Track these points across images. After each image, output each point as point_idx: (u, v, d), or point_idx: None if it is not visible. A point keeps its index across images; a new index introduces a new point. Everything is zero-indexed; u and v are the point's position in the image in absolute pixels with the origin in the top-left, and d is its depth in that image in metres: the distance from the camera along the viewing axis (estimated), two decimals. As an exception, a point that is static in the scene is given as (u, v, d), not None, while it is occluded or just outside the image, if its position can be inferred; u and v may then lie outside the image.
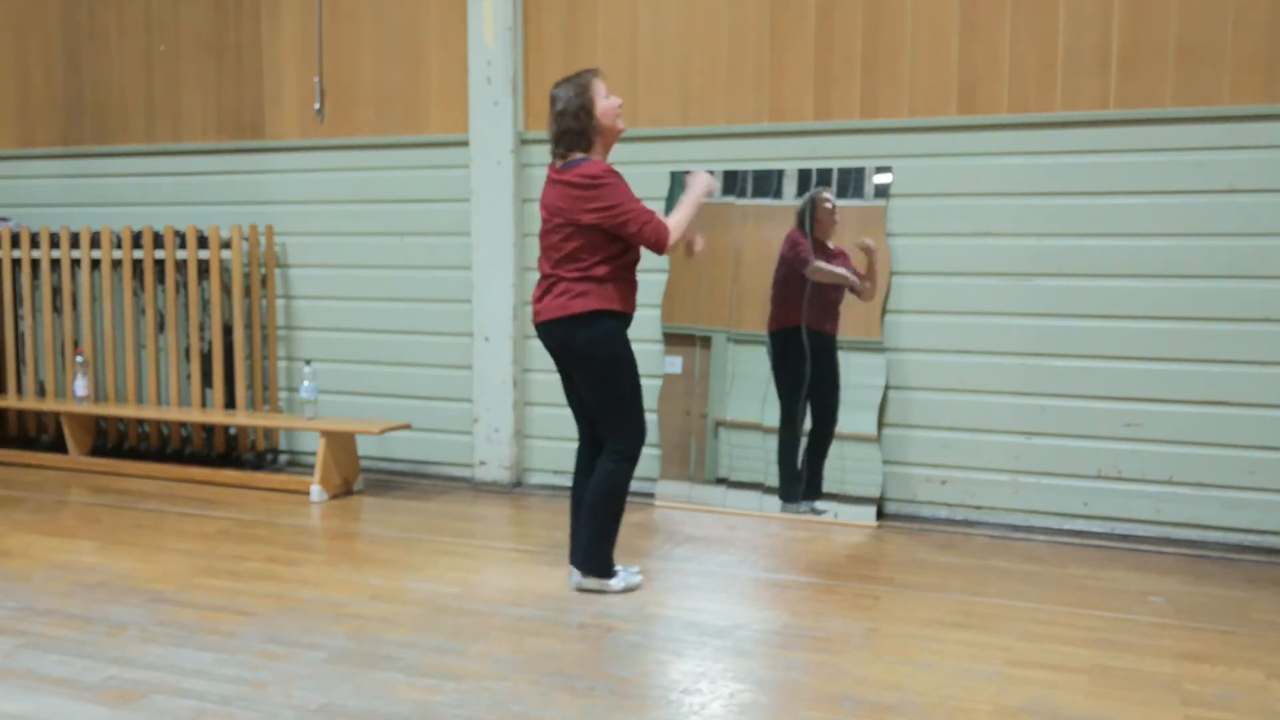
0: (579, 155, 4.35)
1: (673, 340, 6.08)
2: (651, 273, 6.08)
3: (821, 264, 5.71)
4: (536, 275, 4.54)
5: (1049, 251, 5.45)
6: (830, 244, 5.78)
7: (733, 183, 5.94)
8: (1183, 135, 5.22)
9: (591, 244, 4.29)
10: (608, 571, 4.49)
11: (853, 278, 5.71)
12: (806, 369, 5.76)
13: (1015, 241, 5.50)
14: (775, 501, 5.78)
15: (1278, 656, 3.86)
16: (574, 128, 4.31)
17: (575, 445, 4.70)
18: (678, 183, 6.03)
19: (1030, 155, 5.46)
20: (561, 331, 4.34)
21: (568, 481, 6.25)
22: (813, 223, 5.77)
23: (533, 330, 5.36)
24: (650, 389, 6.05)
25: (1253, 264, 5.14)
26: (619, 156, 5.67)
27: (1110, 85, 5.32)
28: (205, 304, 6.90)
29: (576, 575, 4.50)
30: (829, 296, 5.76)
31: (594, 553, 4.47)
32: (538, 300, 4.43)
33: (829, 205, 5.74)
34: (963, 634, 4.04)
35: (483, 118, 6.33)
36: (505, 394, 6.39)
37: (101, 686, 3.52)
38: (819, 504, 5.71)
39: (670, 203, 6.03)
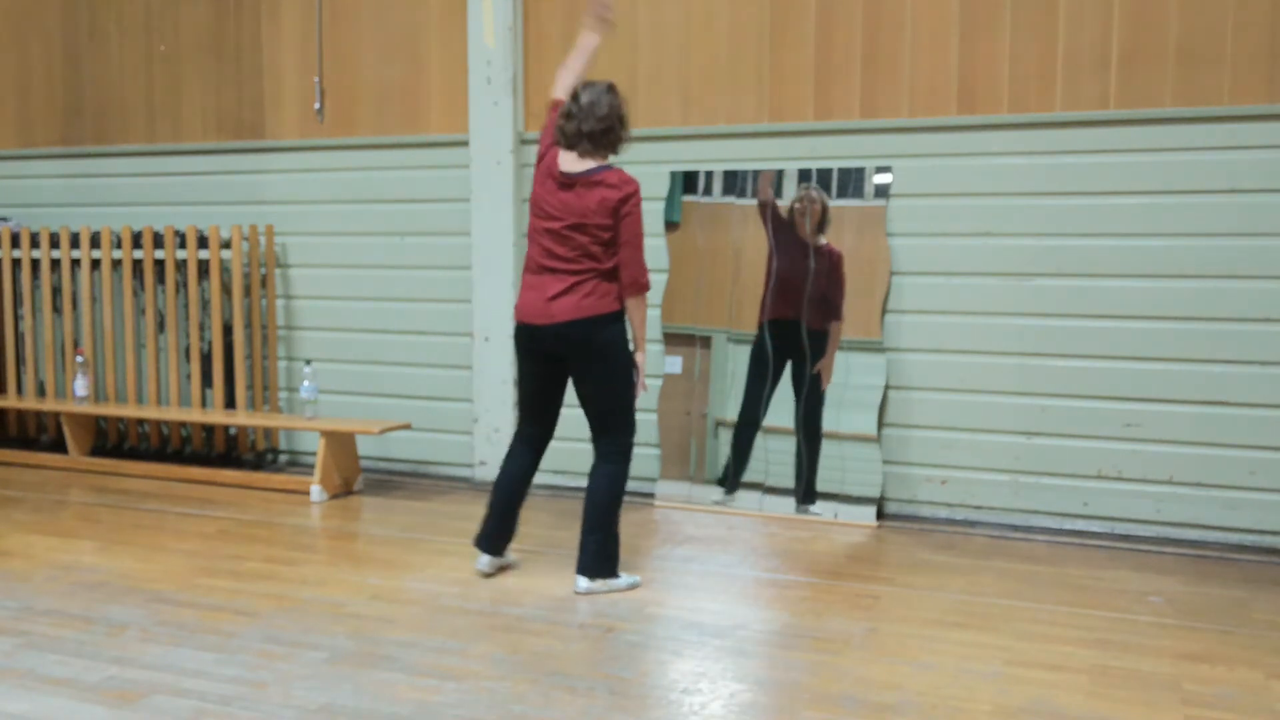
0: (604, 160, 4.43)
1: (673, 340, 6.08)
2: (652, 273, 6.07)
3: None
4: None
5: (1049, 251, 5.45)
6: (811, 242, 5.82)
7: (733, 183, 5.94)
8: (1183, 135, 5.22)
9: (611, 244, 4.38)
10: (616, 571, 4.54)
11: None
12: (768, 360, 5.86)
13: (1015, 241, 5.50)
14: (775, 501, 5.78)
15: (1278, 656, 3.86)
16: (611, 132, 4.41)
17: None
18: (677, 182, 6.03)
19: (1030, 155, 5.45)
20: (578, 330, 4.35)
21: (568, 482, 6.26)
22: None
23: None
24: (650, 389, 6.06)
25: (1253, 264, 5.14)
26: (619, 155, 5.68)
27: (1110, 85, 5.32)
28: (205, 304, 6.90)
29: (581, 582, 4.47)
30: (791, 284, 5.81)
31: (605, 555, 4.50)
32: (550, 299, 4.36)
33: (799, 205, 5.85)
34: (963, 634, 4.04)
35: (483, 118, 6.33)
36: (505, 394, 6.39)
37: (101, 686, 3.52)
38: (812, 507, 5.71)
39: (670, 203, 6.04)
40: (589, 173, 4.36)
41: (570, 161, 4.39)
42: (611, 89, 4.43)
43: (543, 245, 4.41)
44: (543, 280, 4.40)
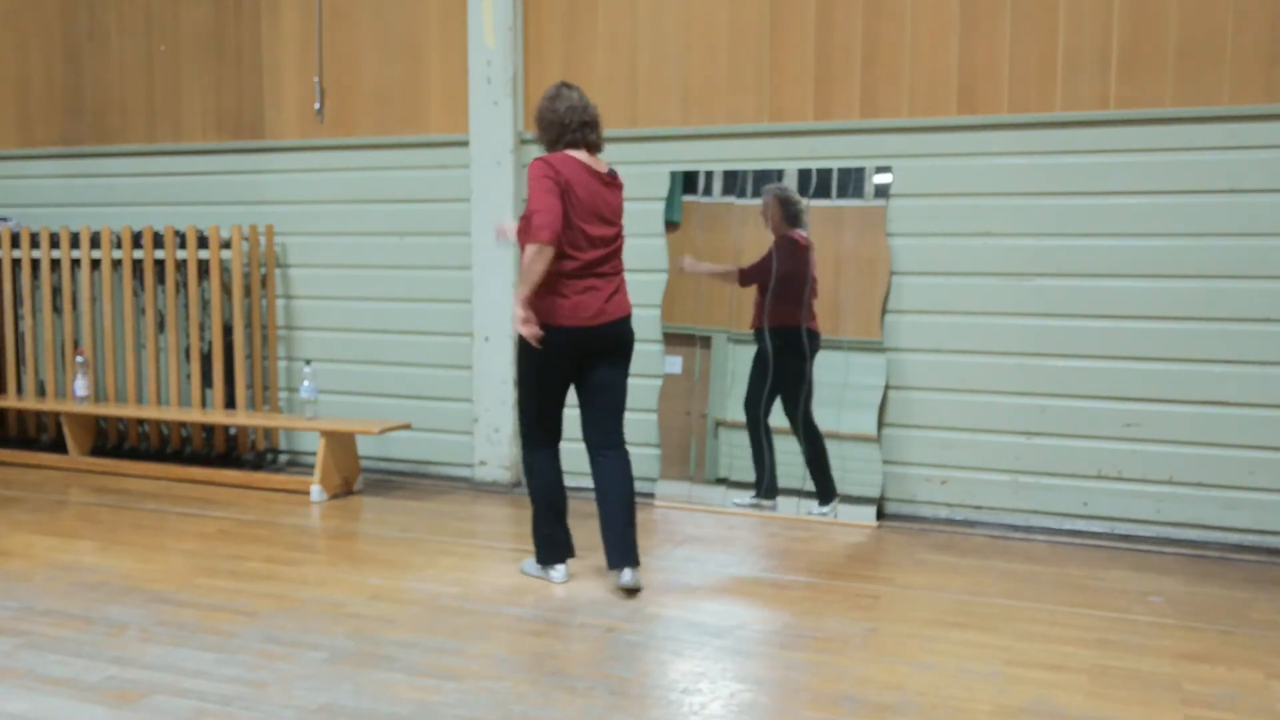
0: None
1: (673, 340, 6.08)
2: (652, 273, 6.09)
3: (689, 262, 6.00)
4: None
5: (1049, 251, 5.45)
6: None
7: (733, 183, 5.94)
8: (1183, 135, 5.22)
9: None
10: None
11: (729, 268, 5.95)
12: (768, 364, 5.87)
13: (1015, 241, 5.50)
14: (775, 502, 5.79)
15: (1278, 656, 3.87)
16: (600, 127, 4.54)
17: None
18: (677, 182, 6.03)
19: (1030, 155, 5.45)
20: (626, 326, 4.52)
21: (567, 481, 6.24)
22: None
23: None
24: (650, 389, 6.07)
25: (1253, 264, 5.14)
26: (618, 155, 5.70)
27: (1110, 85, 5.32)
28: (205, 304, 6.90)
29: (629, 574, 4.44)
30: (787, 291, 5.81)
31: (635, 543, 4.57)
32: (606, 299, 4.42)
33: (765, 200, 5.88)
34: (963, 634, 4.04)
35: (483, 118, 6.33)
36: (505, 394, 6.39)
37: (101, 686, 3.52)
38: (817, 507, 5.71)
39: (670, 203, 6.04)
40: (613, 172, 4.53)
41: (593, 160, 4.44)
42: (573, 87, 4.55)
43: (594, 249, 4.38)
44: (592, 282, 4.39)
